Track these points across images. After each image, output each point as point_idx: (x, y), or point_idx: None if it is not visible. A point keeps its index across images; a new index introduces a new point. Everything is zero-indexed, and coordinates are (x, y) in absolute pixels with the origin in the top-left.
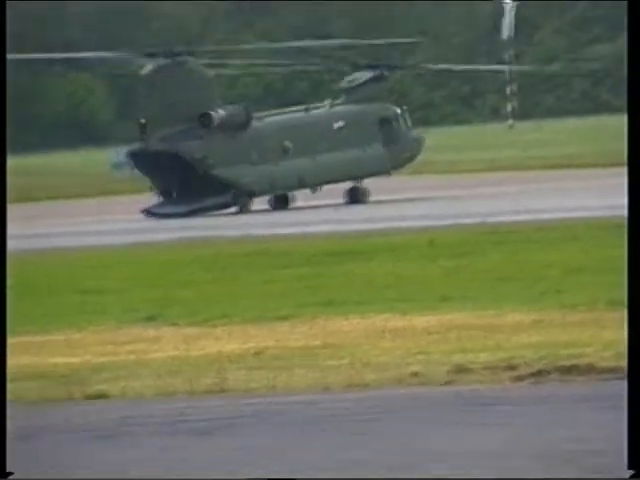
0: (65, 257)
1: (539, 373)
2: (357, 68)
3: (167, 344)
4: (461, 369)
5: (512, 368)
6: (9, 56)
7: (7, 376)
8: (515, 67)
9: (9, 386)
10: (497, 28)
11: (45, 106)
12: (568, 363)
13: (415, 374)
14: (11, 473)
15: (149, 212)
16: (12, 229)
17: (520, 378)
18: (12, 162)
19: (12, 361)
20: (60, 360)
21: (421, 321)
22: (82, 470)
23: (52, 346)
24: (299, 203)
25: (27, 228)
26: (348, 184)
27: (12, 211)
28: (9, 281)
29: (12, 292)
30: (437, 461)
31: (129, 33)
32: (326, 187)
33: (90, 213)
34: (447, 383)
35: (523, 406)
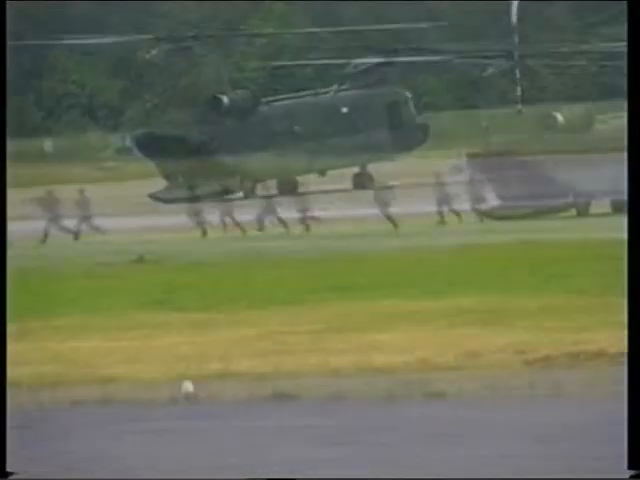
0: (73, 241)
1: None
2: (364, 54)
3: (173, 329)
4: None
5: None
6: (17, 43)
7: (7, 381)
8: (519, 49)
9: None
10: (507, 12)
11: (50, 88)
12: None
13: (424, 359)
14: (11, 473)
15: (155, 197)
16: (17, 213)
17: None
18: (21, 146)
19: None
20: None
21: (429, 305)
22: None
23: (61, 330)
24: (305, 188)
25: (34, 213)
26: (353, 170)
27: (18, 195)
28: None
29: (24, 277)
30: (446, 443)
31: (133, 16)
32: (331, 172)
33: (95, 197)
34: (457, 367)
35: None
